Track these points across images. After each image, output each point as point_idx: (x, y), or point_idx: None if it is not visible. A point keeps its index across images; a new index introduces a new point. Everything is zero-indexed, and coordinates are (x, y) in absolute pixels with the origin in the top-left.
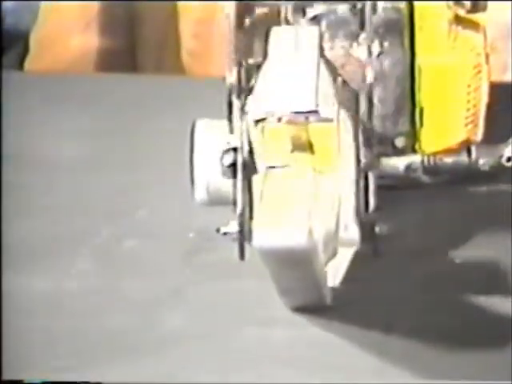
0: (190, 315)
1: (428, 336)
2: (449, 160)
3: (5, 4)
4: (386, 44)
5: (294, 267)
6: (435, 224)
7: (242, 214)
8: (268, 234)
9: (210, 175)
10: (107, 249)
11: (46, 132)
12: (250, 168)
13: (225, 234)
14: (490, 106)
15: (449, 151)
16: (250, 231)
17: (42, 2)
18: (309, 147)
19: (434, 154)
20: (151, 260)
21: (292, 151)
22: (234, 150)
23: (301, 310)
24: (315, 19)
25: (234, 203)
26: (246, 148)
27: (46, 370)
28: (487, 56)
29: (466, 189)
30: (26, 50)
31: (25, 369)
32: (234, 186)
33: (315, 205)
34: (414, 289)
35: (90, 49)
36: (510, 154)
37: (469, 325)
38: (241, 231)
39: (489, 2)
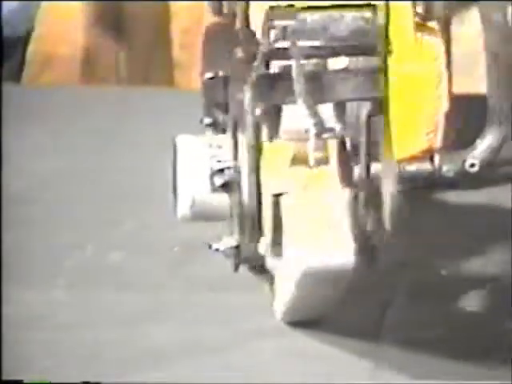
0: (176, 328)
1: (419, 345)
2: (412, 168)
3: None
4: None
5: (335, 285)
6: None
7: (241, 232)
8: (315, 255)
9: (194, 192)
10: (93, 262)
11: (30, 145)
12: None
13: (217, 250)
14: (459, 115)
15: (412, 159)
16: (256, 248)
17: (39, 13)
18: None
19: (397, 162)
20: (137, 273)
21: (290, 166)
22: (222, 170)
23: (293, 322)
24: (284, 30)
25: (224, 219)
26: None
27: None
28: (448, 63)
29: (433, 197)
30: (23, 61)
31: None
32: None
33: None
34: (403, 299)
35: (78, 58)
36: (473, 161)
37: (458, 333)
38: (237, 247)
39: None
